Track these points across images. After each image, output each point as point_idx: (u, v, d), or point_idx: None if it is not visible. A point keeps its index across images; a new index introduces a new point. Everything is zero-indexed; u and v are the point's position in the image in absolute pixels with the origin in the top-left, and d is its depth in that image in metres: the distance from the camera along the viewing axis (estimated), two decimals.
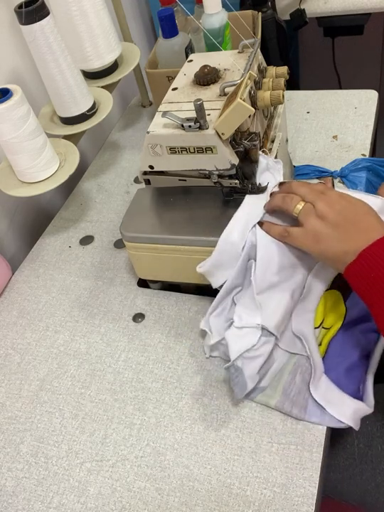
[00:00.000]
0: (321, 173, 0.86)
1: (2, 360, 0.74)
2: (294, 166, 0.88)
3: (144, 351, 0.71)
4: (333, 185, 0.79)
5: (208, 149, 0.60)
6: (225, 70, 0.68)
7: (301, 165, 0.88)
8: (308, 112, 1.01)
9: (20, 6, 0.75)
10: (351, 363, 0.63)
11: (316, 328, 0.62)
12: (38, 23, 0.75)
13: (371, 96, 0.99)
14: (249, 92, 0.61)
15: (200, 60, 0.71)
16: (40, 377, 0.71)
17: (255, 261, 0.61)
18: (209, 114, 0.60)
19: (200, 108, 0.57)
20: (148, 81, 0.96)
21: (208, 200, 0.69)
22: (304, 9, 1.15)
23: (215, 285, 0.65)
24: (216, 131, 0.58)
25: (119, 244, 0.86)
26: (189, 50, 0.92)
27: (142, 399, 0.66)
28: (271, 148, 0.70)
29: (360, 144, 0.91)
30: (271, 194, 0.63)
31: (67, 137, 0.89)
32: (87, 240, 0.89)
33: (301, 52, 1.69)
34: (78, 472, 0.61)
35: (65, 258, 0.87)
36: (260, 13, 0.98)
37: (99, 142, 1.11)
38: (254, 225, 0.62)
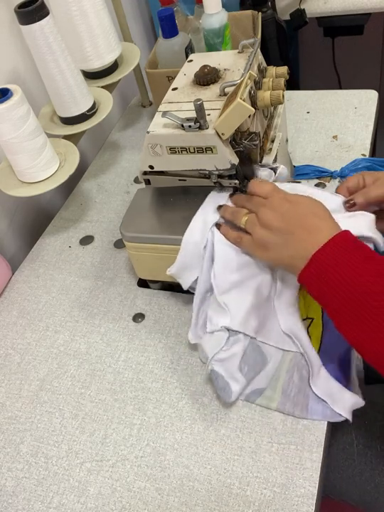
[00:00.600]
0: (320, 173, 0.86)
1: (2, 360, 0.74)
2: (294, 166, 0.88)
3: (143, 351, 0.71)
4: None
5: (208, 149, 0.60)
6: (225, 70, 0.68)
7: (301, 165, 0.88)
8: (308, 112, 1.01)
9: (20, 6, 0.75)
10: (342, 355, 0.63)
11: (303, 319, 0.63)
12: (37, 23, 0.75)
13: (371, 96, 0.99)
14: (249, 92, 0.61)
15: (200, 60, 0.71)
16: (40, 377, 0.71)
17: (213, 262, 0.62)
18: (209, 114, 0.60)
19: (200, 108, 0.57)
20: (148, 81, 0.96)
21: None
22: (304, 9, 1.15)
23: (185, 286, 0.68)
24: (216, 131, 0.58)
25: (119, 244, 0.86)
26: (189, 50, 0.92)
27: (142, 399, 0.66)
28: (271, 148, 0.70)
29: (360, 143, 0.91)
30: (219, 207, 0.64)
31: (67, 137, 0.89)
32: (87, 240, 0.89)
33: (301, 52, 1.69)
34: (78, 472, 0.61)
35: (65, 258, 0.87)
36: (260, 13, 0.98)
37: (99, 142, 1.11)
38: (213, 225, 0.63)
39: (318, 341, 0.63)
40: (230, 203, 0.65)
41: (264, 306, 0.63)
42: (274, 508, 0.54)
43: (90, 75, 0.98)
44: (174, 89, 0.68)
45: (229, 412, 0.62)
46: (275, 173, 0.67)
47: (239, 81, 0.61)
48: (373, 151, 0.99)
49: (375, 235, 0.57)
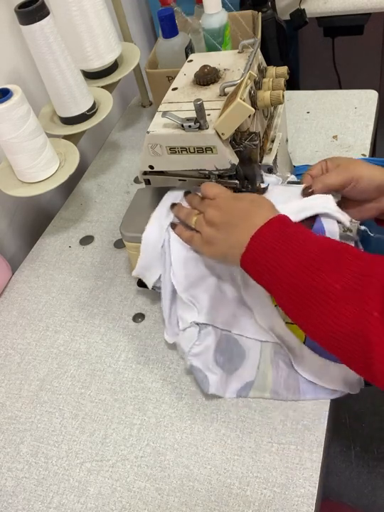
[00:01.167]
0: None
1: (2, 360, 0.74)
2: (294, 166, 0.88)
3: (143, 351, 0.71)
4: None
5: (208, 149, 0.60)
6: (225, 70, 0.68)
7: (301, 165, 0.88)
8: (308, 112, 1.01)
9: (20, 6, 0.75)
10: None
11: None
12: (38, 23, 0.75)
13: (371, 96, 0.99)
14: (249, 92, 0.61)
15: (200, 60, 0.71)
16: (40, 377, 0.71)
17: (171, 262, 0.64)
18: (209, 114, 0.60)
19: (200, 108, 0.57)
20: (148, 81, 0.96)
21: None
22: (304, 9, 1.15)
23: (149, 285, 0.69)
24: (216, 131, 0.58)
25: (119, 244, 0.86)
26: (189, 50, 0.92)
27: (142, 399, 0.66)
28: (271, 148, 0.70)
29: (360, 144, 0.91)
30: (172, 205, 0.66)
31: (67, 137, 0.89)
32: (87, 240, 0.89)
33: (301, 52, 1.69)
34: (78, 472, 0.61)
35: (65, 258, 0.87)
36: (260, 13, 0.98)
37: (99, 142, 1.11)
38: (169, 225, 0.65)
39: None
40: (184, 203, 0.66)
41: (232, 300, 0.64)
42: (274, 508, 0.54)
43: (90, 75, 0.98)
44: (174, 89, 0.68)
45: (229, 412, 0.62)
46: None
47: (239, 81, 0.61)
48: (373, 151, 0.99)
49: (332, 212, 0.57)
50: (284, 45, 1.13)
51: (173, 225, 0.64)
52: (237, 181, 0.64)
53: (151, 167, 0.65)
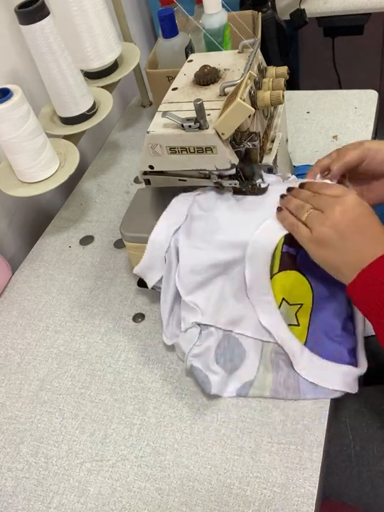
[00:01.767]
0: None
1: (2, 360, 0.74)
2: (294, 166, 0.88)
3: (144, 351, 0.71)
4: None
5: (208, 149, 0.60)
6: (225, 70, 0.68)
7: (301, 165, 0.88)
8: (308, 112, 1.01)
9: (20, 6, 0.75)
10: (338, 330, 0.63)
11: (291, 305, 0.63)
12: (38, 23, 0.75)
13: (371, 96, 0.99)
14: (249, 92, 0.61)
15: (200, 60, 0.71)
16: (40, 377, 0.71)
17: (178, 265, 0.64)
18: (209, 114, 0.60)
19: (200, 108, 0.57)
20: (148, 81, 0.96)
21: None
22: (304, 9, 1.15)
23: (149, 285, 0.69)
24: (216, 131, 0.58)
25: (119, 244, 0.86)
26: (189, 50, 0.92)
27: (142, 399, 0.66)
28: (271, 148, 0.70)
29: None
30: (281, 196, 0.63)
31: (67, 137, 0.89)
32: (87, 240, 0.89)
33: (301, 52, 1.69)
34: (78, 472, 0.61)
35: (65, 258, 0.87)
36: (260, 13, 0.98)
37: (99, 142, 1.11)
38: (177, 230, 0.65)
39: (306, 326, 0.63)
40: (195, 207, 0.65)
41: (236, 300, 0.64)
42: (274, 508, 0.54)
43: (90, 75, 0.98)
44: (174, 89, 0.68)
45: (229, 412, 0.62)
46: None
47: (239, 81, 0.61)
48: None
49: None
50: (284, 45, 1.13)
51: (279, 208, 0.61)
52: (237, 181, 0.64)
53: (151, 167, 0.65)
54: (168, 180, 0.67)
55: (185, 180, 0.66)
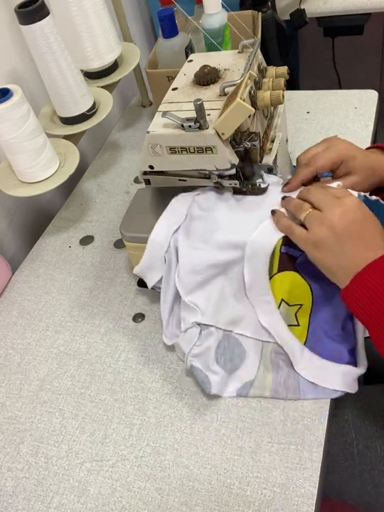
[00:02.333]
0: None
1: (2, 360, 0.74)
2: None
3: (144, 351, 0.71)
4: None
5: (208, 149, 0.60)
6: (225, 70, 0.68)
7: None
8: (308, 112, 1.01)
9: (20, 6, 0.75)
10: (338, 330, 0.64)
11: (291, 305, 0.63)
12: (38, 23, 0.75)
13: (371, 96, 0.99)
14: (249, 92, 0.61)
15: (200, 60, 0.71)
16: (40, 377, 0.71)
17: (177, 265, 0.64)
18: (209, 114, 0.60)
19: (200, 108, 0.57)
20: (148, 81, 0.96)
21: None
22: (304, 9, 1.15)
23: (149, 285, 0.70)
24: (216, 131, 0.58)
25: (119, 244, 0.86)
26: (189, 50, 0.92)
27: (142, 399, 0.66)
28: (271, 148, 0.70)
29: (360, 144, 0.90)
30: (283, 198, 0.62)
31: (67, 137, 0.89)
32: (87, 240, 0.89)
33: (301, 52, 1.69)
34: (78, 472, 0.61)
35: (65, 258, 0.87)
36: (260, 13, 0.98)
37: (99, 142, 1.11)
38: (176, 230, 0.65)
39: (306, 326, 0.64)
40: (194, 207, 0.65)
41: (236, 300, 0.64)
42: (274, 508, 0.54)
43: (90, 75, 0.98)
44: (174, 89, 0.68)
45: (229, 412, 0.62)
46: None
47: (239, 81, 0.61)
48: None
49: None
50: (284, 45, 1.13)
51: (273, 211, 0.61)
52: (237, 181, 0.64)
53: (151, 167, 0.65)
54: (168, 180, 0.67)
55: (185, 180, 0.66)
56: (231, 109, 0.56)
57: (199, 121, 0.58)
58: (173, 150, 0.62)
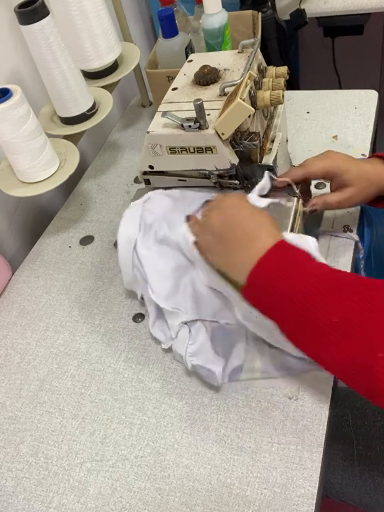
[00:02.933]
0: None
1: (2, 360, 0.74)
2: (294, 166, 0.88)
3: (144, 351, 0.71)
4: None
5: (208, 149, 0.60)
6: (225, 70, 0.68)
7: None
8: (308, 112, 1.01)
9: (20, 6, 0.75)
10: None
11: None
12: (37, 23, 0.75)
13: (371, 96, 0.99)
14: (249, 92, 0.61)
15: (200, 60, 0.71)
16: (40, 377, 0.71)
17: (147, 280, 0.67)
18: (209, 114, 0.60)
19: (200, 108, 0.57)
20: (148, 81, 0.96)
21: None
22: (304, 9, 1.15)
23: (138, 297, 0.73)
24: (216, 131, 0.58)
25: None
26: (189, 50, 0.92)
27: (142, 399, 0.66)
28: (271, 148, 0.70)
29: (360, 143, 0.91)
30: (187, 217, 0.66)
31: (67, 137, 0.89)
32: (87, 240, 0.89)
33: (301, 52, 1.69)
34: (78, 472, 0.61)
35: (65, 258, 0.87)
36: (260, 13, 0.98)
37: (99, 142, 1.11)
38: (135, 244, 0.67)
39: None
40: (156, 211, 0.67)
41: (211, 294, 0.65)
42: (274, 508, 0.54)
43: (90, 75, 0.98)
44: (174, 89, 0.68)
45: (229, 412, 0.62)
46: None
47: (239, 81, 0.61)
48: (373, 151, 0.99)
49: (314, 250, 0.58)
50: (284, 45, 1.13)
51: (187, 217, 0.64)
52: (237, 181, 0.64)
53: (151, 167, 0.65)
54: (168, 180, 0.67)
55: (185, 180, 0.66)
56: (231, 109, 0.56)
57: (199, 121, 0.59)
58: (173, 150, 0.62)
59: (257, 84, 0.66)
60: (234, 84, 0.62)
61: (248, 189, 0.67)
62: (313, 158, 0.67)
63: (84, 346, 0.73)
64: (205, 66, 0.66)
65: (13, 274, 0.87)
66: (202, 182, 0.66)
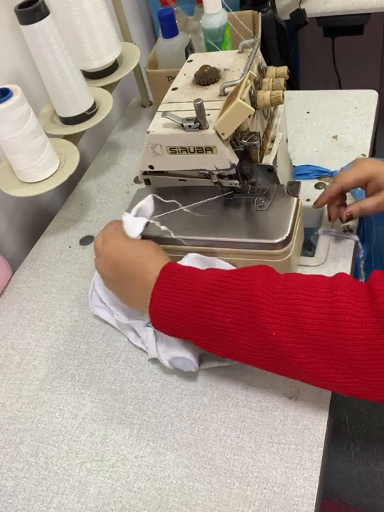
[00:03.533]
0: (320, 173, 0.86)
1: (2, 360, 0.74)
2: (294, 166, 0.88)
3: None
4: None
5: (208, 149, 0.60)
6: (225, 70, 0.68)
7: (301, 165, 0.88)
8: (308, 112, 1.01)
9: (20, 6, 0.75)
10: None
11: None
12: (38, 23, 0.75)
13: (371, 96, 0.99)
14: (249, 92, 0.61)
15: (200, 60, 0.71)
16: (40, 377, 0.71)
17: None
18: (209, 114, 0.60)
19: (200, 108, 0.57)
20: (149, 81, 0.96)
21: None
22: (304, 9, 1.15)
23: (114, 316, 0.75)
24: (216, 131, 0.58)
25: None
26: (189, 50, 0.92)
27: (142, 399, 0.66)
28: (271, 148, 0.70)
29: (360, 143, 0.91)
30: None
31: (67, 137, 0.89)
32: (87, 240, 0.89)
33: (301, 52, 1.70)
34: (78, 472, 0.61)
35: (65, 258, 0.87)
36: (260, 13, 0.98)
37: (99, 142, 1.11)
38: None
39: None
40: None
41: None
42: (274, 508, 0.54)
43: (90, 75, 0.98)
44: (174, 89, 0.68)
45: (229, 412, 0.62)
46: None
47: (239, 81, 0.61)
48: (373, 151, 0.99)
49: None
50: (284, 45, 1.13)
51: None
52: (237, 181, 0.64)
53: (151, 167, 0.65)
54: (168, 180, 0.67)
55: (185, 180, 0.66)
56: (231, 109, 0.56)
57: (199, 121, 0.58)
58: (173, 150, 0.62)
59: (257, 84, 0.66)
60: (234, 84, 0.62)
61: (248, 189, 0.67)
62: (344, 170, 0.69)
63: (84, 346, 0.73)
64: (205, 66, 0.66)
65: (13, 274, 0.87)
66: (202, 182, 0.66)
